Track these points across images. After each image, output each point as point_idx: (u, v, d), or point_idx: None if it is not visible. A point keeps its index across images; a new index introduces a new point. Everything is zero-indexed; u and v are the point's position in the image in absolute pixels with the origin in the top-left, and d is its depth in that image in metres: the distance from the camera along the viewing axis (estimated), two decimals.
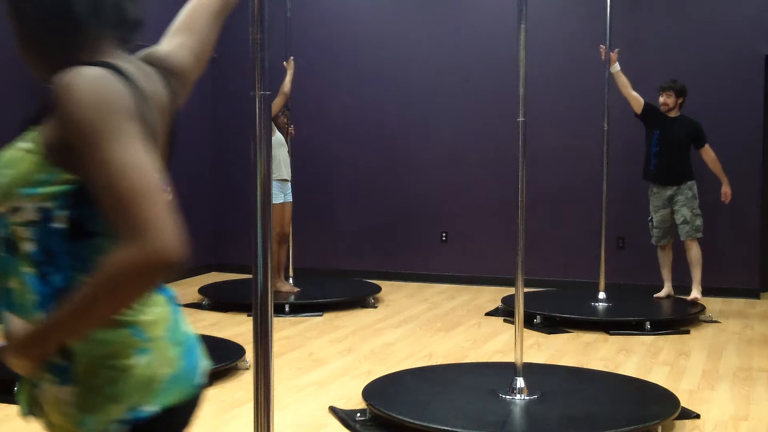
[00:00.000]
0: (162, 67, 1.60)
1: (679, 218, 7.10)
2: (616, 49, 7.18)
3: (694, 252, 7.13)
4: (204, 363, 1.58)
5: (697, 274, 7.11)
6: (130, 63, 1.52)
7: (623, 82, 7.14)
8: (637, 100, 7.13)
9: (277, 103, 7.24)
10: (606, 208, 7.22)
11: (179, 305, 1.60)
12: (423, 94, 8.62)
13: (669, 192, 7.12)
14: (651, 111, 7.12)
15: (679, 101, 7.08)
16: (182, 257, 1.35)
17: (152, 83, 1.53)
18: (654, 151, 7.13)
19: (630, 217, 7.96)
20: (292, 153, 7.85)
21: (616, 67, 7.14)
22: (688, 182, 7.11)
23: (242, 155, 8.54)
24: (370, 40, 8.77)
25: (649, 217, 7.28)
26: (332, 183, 8.95)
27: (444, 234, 8.64)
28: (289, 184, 7.49)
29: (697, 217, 7.10)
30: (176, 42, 1.69)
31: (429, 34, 8.58)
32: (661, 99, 7.08)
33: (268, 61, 2.19)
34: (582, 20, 8.11)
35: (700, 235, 7.14)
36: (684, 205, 7.07)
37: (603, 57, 7.16)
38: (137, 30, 1.58)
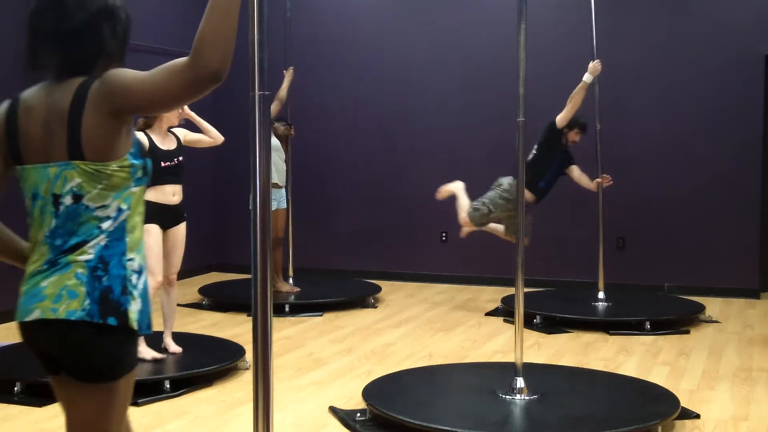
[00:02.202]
0: (106, 85, 2.02)
1: (527, 221, 6.66)
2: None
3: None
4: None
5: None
6: (41, 87, 2.13)
7: (582, 96, 6.70)
8: (571, 116, 6.75)
9: (272, 109, 7.22)
10: (606, 208, 7.21)
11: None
12: (423, 94, 8.62)
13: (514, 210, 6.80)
14: (563, 133, 6.82)
15: None
16: None
17: (50, 98, 2.08)
18: (550, 171, 6.87)
19: (630, 217, 7.97)
20: (292, 153, 7.85)
21: (590, 77, 6.74)
22: None
23: (242, 155, 8.55)
24: (370, 40, 8.77)
25: (488, 201, 7.01)
26: (332, 183, 8.95)
27: (444, 234, 8.64)
28: (283, 190, 7.46)
29: None
30: (142, 76, 1.99)
31: (429, 33, 8.57)
32: (577, 138, 6.84)
33: (268, 61, 2.19)
34: (582, 20, 8.09)
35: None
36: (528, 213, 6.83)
37: (596, 71, 6.83)
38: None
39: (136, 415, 4.45)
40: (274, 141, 7.30)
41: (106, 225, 2.06)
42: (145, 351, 5.18)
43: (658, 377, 5.12)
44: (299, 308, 7.11)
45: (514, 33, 4.56)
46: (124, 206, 2.08)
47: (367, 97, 8.78)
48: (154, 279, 5.21)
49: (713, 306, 7.25)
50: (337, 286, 7.96)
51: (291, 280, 7.82)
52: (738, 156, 7.73)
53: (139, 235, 2.14)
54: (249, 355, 5.29)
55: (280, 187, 7.38)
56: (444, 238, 8.64)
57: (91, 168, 2.03)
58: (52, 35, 2.09)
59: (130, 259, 2.09)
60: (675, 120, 7.88)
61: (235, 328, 6.43)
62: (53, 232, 2.08)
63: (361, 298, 7.52)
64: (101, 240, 2.06)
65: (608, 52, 7.21)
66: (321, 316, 6.99)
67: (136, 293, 2.10)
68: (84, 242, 2.05)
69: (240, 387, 4.93)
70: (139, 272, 2.13)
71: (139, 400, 4.59)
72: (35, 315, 2.04)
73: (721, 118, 7.78)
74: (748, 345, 6.03)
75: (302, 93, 8.37)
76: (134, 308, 2.08)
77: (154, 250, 5.15)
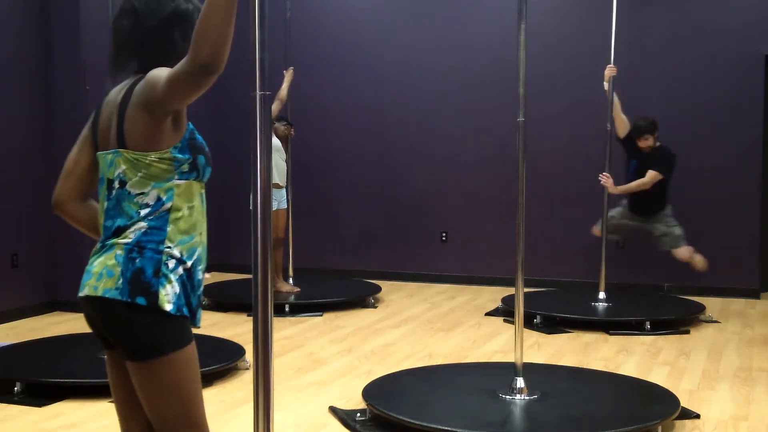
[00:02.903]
0: (143, 82, 2.19)
1: (657, 232, 7.09)
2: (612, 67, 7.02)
3: (683, 252, 7.10)
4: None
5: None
6: (120, 84, 2.29)
7: (615, 102, 6.99)
8: (624, 124, 7.01)
9: (273, 109, 7.23)
10: (606, 208, 7.21)
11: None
12: (423, 94, 8.62)
13: (637, 221, 7.16)
14: (631, 139, 7.02)
15: (655, 136, 6.96)
16: None
17: (117, 94, 2.27)
18: (630, 179, 7.07)
19: None
20: (292, 153, 7.85)
21: (606, 84, 6.96)
22: (661, 212, 7.07)
23: (242, 155, 8.55)
24: (370, 40, 8.77)
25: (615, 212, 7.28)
26: (332, 183, 8.96)
27: (444, 234, 8.64)
28: (284, 190, 7.46)
29: (674, 228, 7.06)
30: (166, 71, 2.12)
31: (429, 34, 8.58)
32: (643, 143, 6.95)
33: (268, 61, 2.19)
34: (582, 20, 8.11)
35: (682, 243, 7.07)
36: (659, 222, 7.09)
37: (607, 77, 6.97)
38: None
39: None
40: (275, 141, 7.30)
41: (144, 212, 2.22)
42: None
43: (658, 377, 5.12)
44: (299, 308, 7.11)
45: (514, 33, 4.56)
46: (164, 197, 2.24)
47: (367, 97, 8.79)
48: None
49: (713, 306, 7.25)
50: (337, 286, 7.96)
51: (291, 280, 7.82)
52: (738, 156, 7.73)
53: (184, 226, 2.27)
54: (249, 355, 5.29)
55: (281, 187, 7.39)
56: (444, 238, 8.64)
57: (131, 156, 2.21)
58: (127, 41, 2.29)
59: (168, 247, 2.23)
60: (675, 120, 7.87)
61: (235, 328, 6.43)
62: (106, 213, 2.27)
63: (361, 298, 7.52)
64: (142, 227, 2.22)
65: (609, 53, 7.21)
66: (321, 316, 6.99)
67: (172, 277, 2.21)
68: (126, 227, 2.23)
69: (240, 387, 4.93)
70: (180, 260, 2.24)
71: None
72: (84, 292, 2.23)
73: (721, 118, 7.78)
74: (748, 345, 6.03)
75: (302, 93, 8.37)
76: (168, 291, 2.19)
77: None
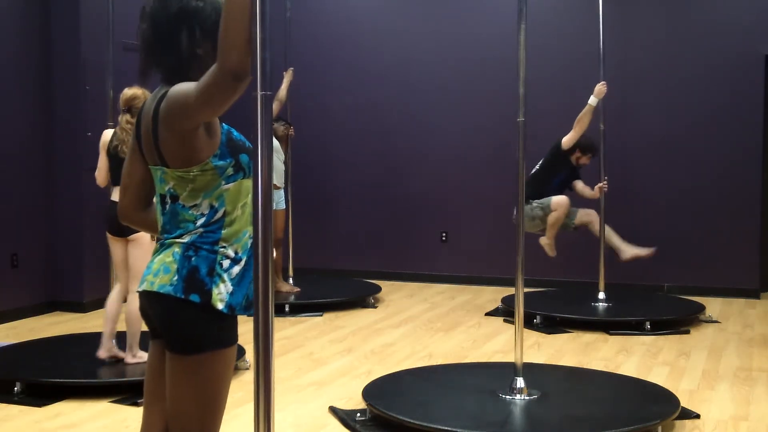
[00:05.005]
0: (167, 103, 2.19)
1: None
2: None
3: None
4: None
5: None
6: (153, 93, 2.29)
7: (589, 119, 6.75)
8: (578, 138, 6.81)
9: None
10: (605, 208, 7.21)
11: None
12: (423, 94, 8.62)
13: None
14: (571, 155, 6.90)
15: None
16: None
17: (152, 102, 2.25)
18: (550, 185, 6.87)
19: (630, 216, 7.95)
20: (292, 153, 7.85)
21: (596, 100, 6.76)
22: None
23: None
24: (370, 40, 8.77)
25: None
26: (332, 183, 8.96)
27: (444, 234, 8.64)
28: (282, 191, 7.47)
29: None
30: (192, 86, 2.14)
31: (429, 34, 8.58)
32: (588, 162, 6.92)
33: (269, 61, 2.19)
34: (583, 20, 8.10)
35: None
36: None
37: (600, 94, 6.80)
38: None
39: (136, 414, 4.45)
40: (274, 143, 7.30)
41: (200, 222, 2.25)
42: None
43: (658, 377, 5.12)
44: (299, 308, 7.11)
45: (514, 33, 4.57)
46: (216, 204, 2.25)
47: (367, 97, 8.78)
48: (117, 290, 5.07)
49: (713, 306, 7.25)
50: (337, 286, 7.96)
51: (291, 280, 7.82)
52: (738, 156, 7.73)
53: (238, 226, 2.27)
54: (249, 355, 5.29)
55: (279, 188, 7.39)
56: (444, 238, 8.64)
57: (175, 174, 2.23)
58: (147, 46, 2.29)
59: (223, 247, 2.25)
60: (675, 120, 7.89)
61: None
62: (163, 227, 2.31)
63: (361, 298, 7.52)
64: (198, 232, 2.25)
65: (609, 53, 7.21)
66: (321, 316, 6.99)
67: (225, 276, 2.23)
68: (184, 234, 2.27)
69: (240, 387, 4.92)
70: (235, 259, 2.25)
71: (138, 401, 4.59)
72: (143, 287, 2.29)
73: (721, 118, 7.78)
74: (748, 345, 6.03)
75: (302, 93, 8.37)
76: (221, 290, 2.22)
77: (118, 263, 4.99)
